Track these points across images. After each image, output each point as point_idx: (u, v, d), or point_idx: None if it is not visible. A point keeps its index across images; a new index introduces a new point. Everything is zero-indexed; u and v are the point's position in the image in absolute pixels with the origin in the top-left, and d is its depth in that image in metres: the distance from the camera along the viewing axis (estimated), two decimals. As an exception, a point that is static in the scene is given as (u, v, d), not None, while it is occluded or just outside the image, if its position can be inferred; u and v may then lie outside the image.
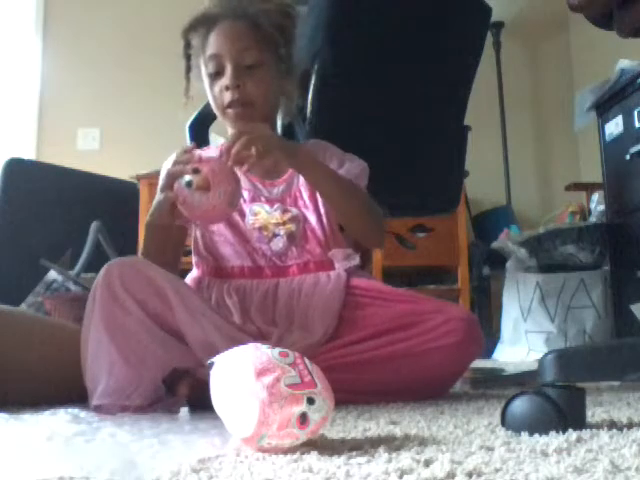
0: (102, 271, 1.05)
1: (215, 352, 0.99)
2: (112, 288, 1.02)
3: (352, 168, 1.30)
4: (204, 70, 1.27)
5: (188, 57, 1.31)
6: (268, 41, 1.26)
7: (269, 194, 1.30)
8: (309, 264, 1.27)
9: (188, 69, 1.31)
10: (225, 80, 1.23)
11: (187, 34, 1.29)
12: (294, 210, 1.28)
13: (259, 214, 1.28)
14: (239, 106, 1.24)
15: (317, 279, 1.24)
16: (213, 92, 1.26)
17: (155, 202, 1.16)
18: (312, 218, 1.28)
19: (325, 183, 1.22)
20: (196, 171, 1.08)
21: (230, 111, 1.25)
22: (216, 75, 1.25)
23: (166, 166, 1.35)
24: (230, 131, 1.34)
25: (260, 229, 1.27)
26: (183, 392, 1.02)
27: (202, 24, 1.27)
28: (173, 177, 1.10)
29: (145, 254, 1.21)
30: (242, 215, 1.28)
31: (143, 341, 1.01)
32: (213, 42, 1.25)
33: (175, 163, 1.12)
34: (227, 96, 1.23)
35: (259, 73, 1.24)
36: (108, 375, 0.99)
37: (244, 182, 1.30)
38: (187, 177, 1.08)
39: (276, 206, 1.28)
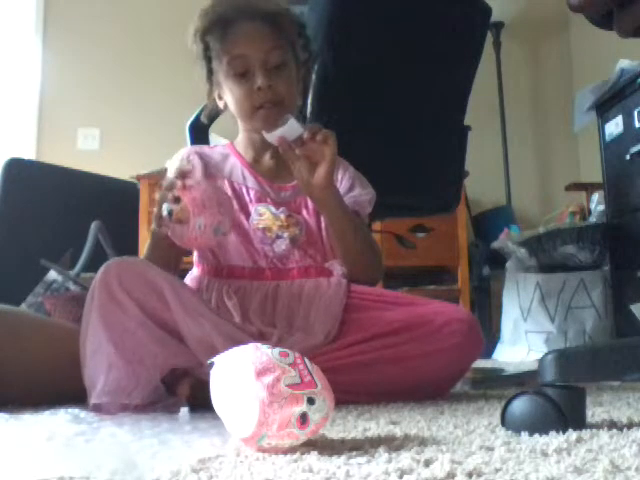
0: (100, 270, 1.04)
1: (214, 352, 0.99)
2: (110, 287, 1.02)
3: (361, 195, 1.31)
4: (224, 71, 1.25)
5: (209, 60, 1.29)
6: (288, 41, 1.27)
7: (275, 196, 1.30)
8: (310, 269, 1.26)
9: (210, 72, 1.29)
10: (258, 81, 1.22)
11: (204, 36, 1.27)
12: (298, 216, 1.29)
13: (264, 215, 1.27)
14: (271, 106, 1.23)
15: (318, 284, 1.24)
16: (237, 94, 1.25)
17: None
18: (314, 228, 1.29)
19: (337, 221, 1.23)
20: (178, 200, 1.04)
21: (262, 111, 1.24)
22: (241, 76, 1.24)
23: (170, 165, 1.34)
24: (244, 133, 1.33)
25: (264, 230, 1.26)
26: (184, 392, 1.02)
27: (217, 26, 1.25)
28: (158, 204, 1.08)
29: (148, 258, 1.21)
30: (247, 215, 1.27)
31: (141, 340, 1.01)
32: (237, 43, 1.24)
33: (163, 187, 1.09)
34: (260, 97, 1.23)
35: (285, 73, 1.25)
36: (107, 374, 0.99)
37: (251, 182, 1.30)
38: (168, 206, 1.05)
39: (281, 209, 1.28)
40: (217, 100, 1.33)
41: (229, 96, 1.28)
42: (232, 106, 1.28)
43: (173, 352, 1.03)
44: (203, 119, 1.45)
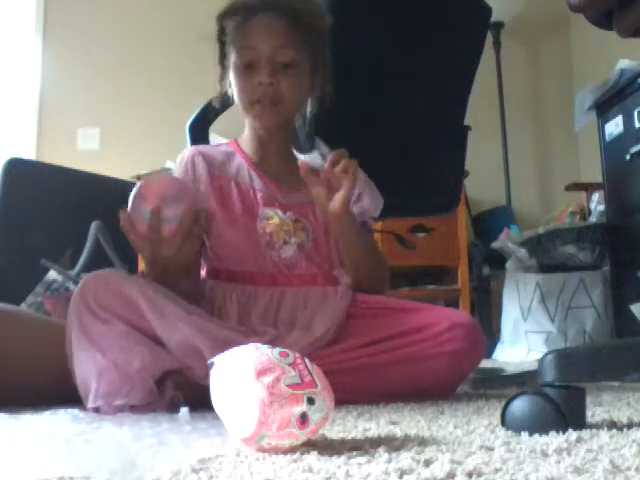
0: (78, 287, 1.05)
1: (200, 355, 1.00)
2: (88, 304, 1.03)
3: (370, 204, 1.31)
4: (234, 60, 1.24)
5: (222, 43, 1.27)
6: (306, 42, 1.24)
7: (283, 200, 1.28)
8: (317, 277, 1.25)
9: (223, 56, 1.28)
10: (260, 76, 1.21)
11: (222, 20, 1.26)
12: (305, 222, 1.27)
13: (272, 219, 1.25)
14: (269, 103, 1.22)
15: (325, 292, 1.23)
16: (241, 84, 1.24)
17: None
18: (322, 234, 1.28)
19: (350, 243, 1.24)
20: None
21: (258, 107, 1.23)
22: (247, 67, 1.22)
23: (178, 165, 1.32)
24: (250, 127, 1.32)
25: (271, 234, 1.24)
26: (168, 393, 1.01)
27: (239, 12, 1.24)
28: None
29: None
30: (254, 218, 1.25)
31: (127, 347, 1.00)
32: (250, 33, 1.22)
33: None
34: (258, 91, 1.21)
35: (293, 73, 1.23)
36: (98, 380, 0.99)
37: (258, 183, 1.28)
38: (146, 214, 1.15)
39: (289, 214, 1.26)
40: (229, 87, 1.30)
41: (234, 85, 1.26)
42: (235, 95, 1.27)
43: (160, 357, 1.03)
44: (215, 103, 1.43)
